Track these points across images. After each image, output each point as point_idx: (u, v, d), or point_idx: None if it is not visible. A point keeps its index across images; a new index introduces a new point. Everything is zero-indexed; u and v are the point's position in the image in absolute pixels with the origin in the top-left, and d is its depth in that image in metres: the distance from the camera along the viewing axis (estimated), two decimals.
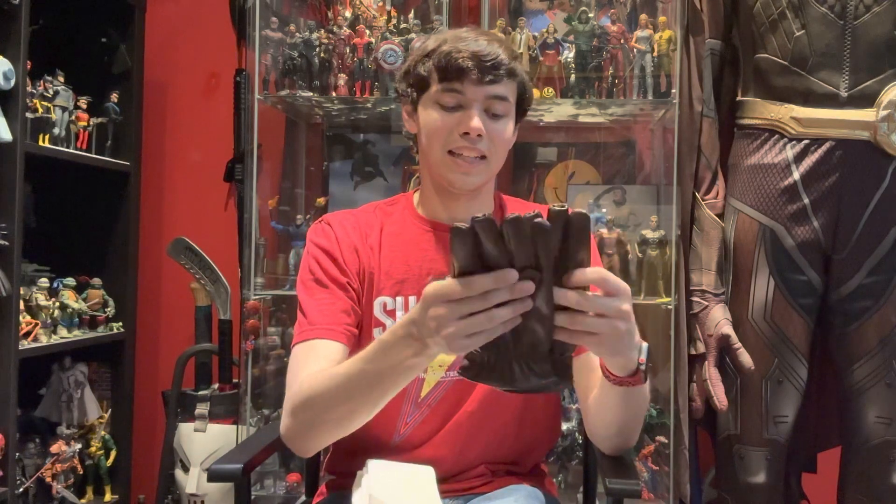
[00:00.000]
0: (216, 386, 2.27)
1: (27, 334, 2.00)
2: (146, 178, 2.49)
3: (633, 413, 1.10)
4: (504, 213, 1.27)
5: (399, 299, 1.20)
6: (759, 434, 1.79)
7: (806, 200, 1.74)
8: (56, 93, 2.11)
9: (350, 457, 1.19)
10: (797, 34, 1.72)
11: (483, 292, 0.78)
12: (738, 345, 1.76)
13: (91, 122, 2.25)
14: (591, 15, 2.04)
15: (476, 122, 1.14)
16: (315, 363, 1.08)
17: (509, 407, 1.20)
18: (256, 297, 2.07)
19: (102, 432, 2.30)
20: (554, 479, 1.29)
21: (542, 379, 0.83)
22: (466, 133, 1.15)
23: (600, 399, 1.09)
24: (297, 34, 2.08)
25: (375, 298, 1.20)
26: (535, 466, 1.29)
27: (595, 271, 0.82)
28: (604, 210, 2.13)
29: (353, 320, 1.16)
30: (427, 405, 1.19)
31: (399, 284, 1.20)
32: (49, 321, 2.08)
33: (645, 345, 0.98)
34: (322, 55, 2.07)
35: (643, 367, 0.98)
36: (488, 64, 1.13)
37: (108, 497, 2.32)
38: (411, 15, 2.13)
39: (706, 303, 1.83)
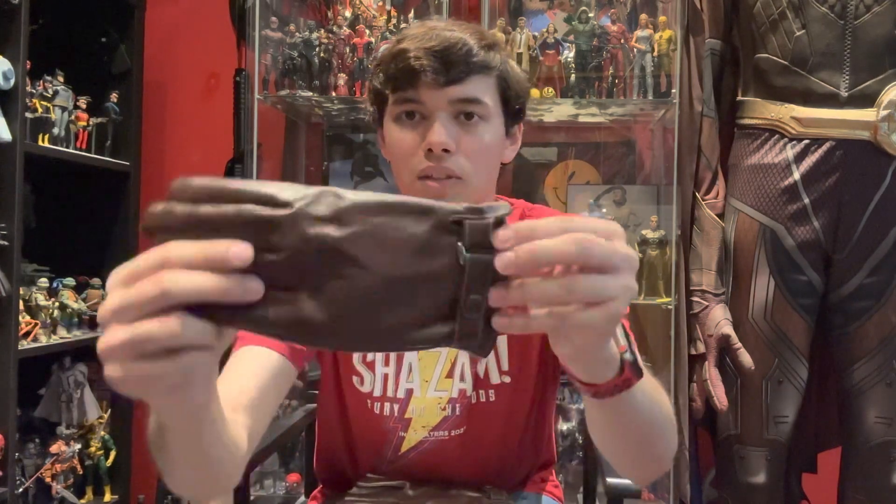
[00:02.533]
0: None
1: (27, 334, 1.99)
2: (146, 178, 2.49)
3: (641, 432, 0.71)
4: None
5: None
6: (759, 434, 1.79)
7: (806, 200, 1.74)
8: (56, 93, 2.11)
9: (340, 479, 1.13)
10: (797, 34, 1.72)
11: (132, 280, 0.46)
12: (739, 345, 1.76)
13: (91, 122, 2.25)
14: (591, 15, 2.04)
15: (438, 134, 0.90)
16: (233, 374, 0.86)
17: (493, 441, 1.06)
18: None
19: (102, 432, 2.29)
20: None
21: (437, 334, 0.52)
22: (431, 150, 0.92)
23: (591, 423, 0.75)
24: (297, 34, 2.08)
25: None
26: (539, 477, 1.19)
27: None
28: (604, 210, 2.13)
29: None
30: (407, 459, 1.06)
31: None
32: (49, 321, 2.07)
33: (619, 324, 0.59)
34: (322, 55, 2.06)
35: (629, 357, 0.59)
36: (446, 60, 0.90)
37: (107, 497, 2.32)
38: (411, 15, 2.13)
39: (706, 303, 1.83)
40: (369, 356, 1.03)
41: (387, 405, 1.04)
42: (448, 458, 1.05)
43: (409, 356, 1.04)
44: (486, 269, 0.49)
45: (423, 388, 1.03)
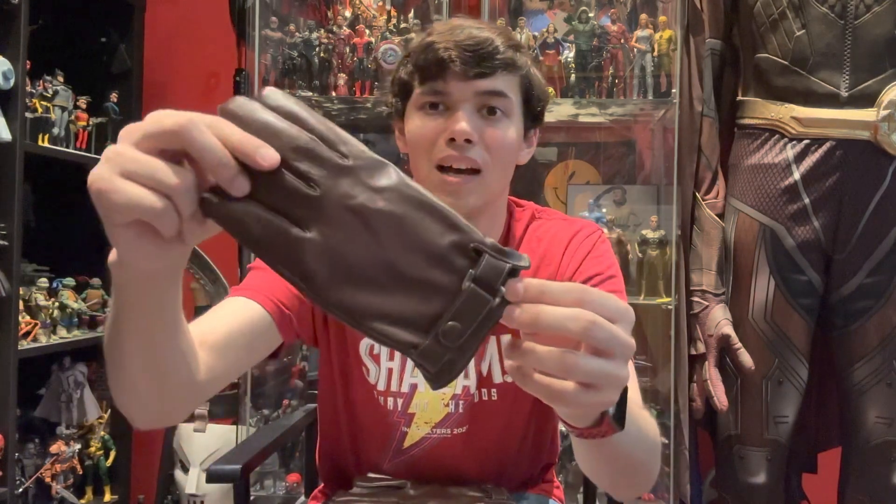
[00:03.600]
0: None
1: (27, 334, 1.99)
2: None
3: (621, 465, 0.73)
4: (513, 228, 1.08)
5: None
6: (759, 434, 1.79)
7: (806, 200, 1.74)
8: (56, 92, 2.11)
9: (342, 477, 1.13)
10: (797, 34, 1.72)
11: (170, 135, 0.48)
12: (739, 345, 1.76)
13: (90, 122, 2.25)
14: (591, 15, 2.04)
15: (462, 123, 0.93)
16: (209, 315, 0.88)
17: (495, 441, 1.07)
18: None
19: (102, 432, 2.29)
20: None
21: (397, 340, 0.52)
22: (453, 139, 0.93)
23: (574, 450, 0.75)
24: (297, 34, 2.08)
25: (361, 339, 1.03)
26: (540, 478, 1.20)
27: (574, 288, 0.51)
28: (604, 210, 2.13)
29: (286, 297, 0.95)
30: (410, 455, 1.07)
31: None
32: (48, 321, 2.08)
33: None
34: (322, 55, 2.06)
35: (612, 411, 0.59)
36: (475, 54, 0.92)
37: (107, 497, 2.32)
38: (411, 15, 2.13)
39: (706, 303, 1.83)
40: (375, 349, 1.03)
41: (391, 399, 1.04)
42: (450, 456, 1.06)
43: None
44: (479, 305, 0.50)
45: (426, 383, 1.03)
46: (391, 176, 0.50)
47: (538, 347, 0.50)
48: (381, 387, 1.04)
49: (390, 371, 1.04)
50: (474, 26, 0.96)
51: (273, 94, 0.50)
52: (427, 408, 1.04)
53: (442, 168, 0.95)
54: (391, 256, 0.50)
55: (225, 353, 0.83)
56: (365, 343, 1.03)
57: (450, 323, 0.50)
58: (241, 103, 0.49)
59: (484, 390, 1.04)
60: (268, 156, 0.47)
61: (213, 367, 0.79)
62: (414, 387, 1.04)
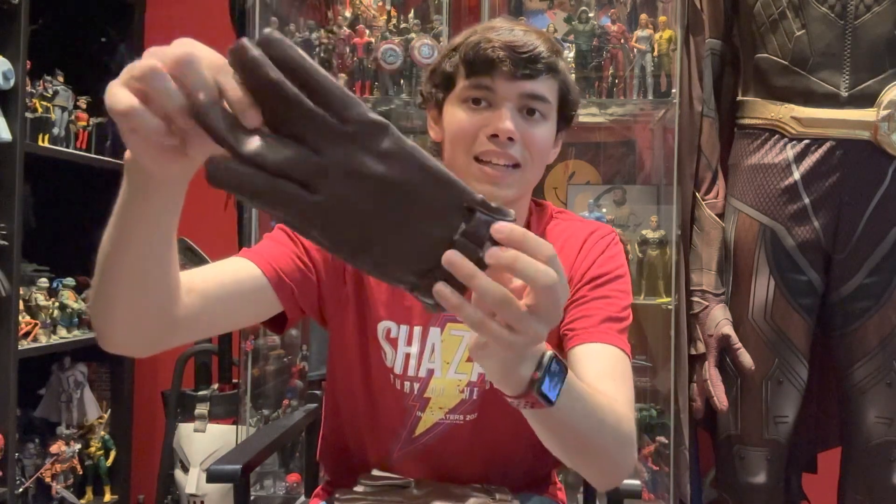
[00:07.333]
0: (216, 386, 2.27)
1: (27, 334, 2.00)
2: None
3: (569, 442, 0.78)
4: (533, 226, 1.10)
5: (403, 328, 1.05)
6: (759, 434, 1.79)
7: (806, 200, 1.74)
8: (56, 92, 2.11)
9: (347, 470, 1.14)
10: (797, 34, 1.72)
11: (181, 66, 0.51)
12: (739, 345, 1.76)
13: (91, 122, 2.25)
14: (591, 15, 2.04)
15: (507, 122, 0.97)
16: (211, 266, 0.92)
17: (503, 431, 1.08)
18: None
19: (102, 432, 2.30)
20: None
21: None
22: (495, 136, 0.98)
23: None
24: (297, 34, 2.08)
25: (379, 322, 1.06)
26: (543, 477, 1.21)
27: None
28: (604, 210, 2.13)
29: (289, 268, 0.98)
30: (421, 443, 1.08)
31: (407, 311, 1.06)
32: (48, 321, 2.08)
33: (548, 353, 0.67)
34: (322, 55, 2.06)
35: (538, 384, 0.66)
36: (523, 56, 0.97)
37: (107, 497, 2.32)
38: (411, 15, 2.13)
39: (706, 303, 1.83)
40: (392, 332, 1.06)
41: (407, 383, 1.06)
42: (459, 445, 1.07)
43: (433, 338, 1.06)
44: (469, 256, 0.56)
45: (443, 369, 1.06)
46: (391, 138, 0.54)
47: (485, 276, 0.56)
48: (398, 370, 1.06)
49: (408, 356, 1.06)
50: (521, 29, 1.00)
51: (278, 43, 0.51)
52: (443, 393, 1.06)
53: (480, 160, 1.00)
54: (393, 214, 0.55)
55: (210, 302, 0.86)
56: (382, 326, 1.06)
57: (444, 270, 0.56)
58: (251, 58, 0.50)
59: None
60: (253, 119, 0.51)
61: (194, 313, 0.82)
62: (431, 372, 1.06)
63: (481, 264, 0.55)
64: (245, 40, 0.51)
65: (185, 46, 0.52)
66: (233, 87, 0.51)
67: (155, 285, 0.73)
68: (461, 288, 0.56)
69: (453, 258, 0.55)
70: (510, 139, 0.98)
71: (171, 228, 0.68)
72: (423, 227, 0.55)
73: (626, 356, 0.98)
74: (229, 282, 0.91)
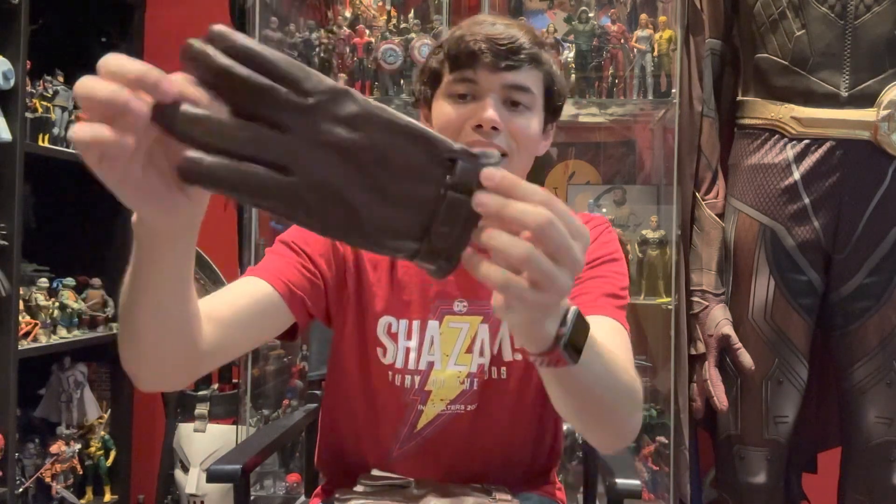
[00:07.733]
0: (216, 386, 2.27)
1: (27, 334, 1.99)
2: None
3: (586, 401, 0.76)
4: None
5: (403, 322, 1.07)
6: (759, 434, 1.79)
7: (806, 200, 1.74)
8: (56, 92, 2.11)
9: (343, 470, 1.14)
10: (797, 34, 1.72)
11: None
12: (739, 345, 1.76)
13: None
14: (591, 15, 2.05)
15: (490, 111, 0.98)
16: (217, 293, 0.93)
17: (503, 422, 1.09)
18: None
19: (102, 432, 2.29)
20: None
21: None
22: (480, 126, 0.99)
23: (546, 386, 0.76)
24: (297, 34, 2.08)
25: (379, 318, 1.07)
26: (542, 475, 1.21)
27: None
28: (604, 210, 2.13)
29: (297, 278, 1.00)
30: (422, 437, 1.09)
31: (406, 305, 1.07)
32: (49, 321, 2.08)
33: (573, 309, 0.63)
34: (322, 55, 2.06)
35: (564, 341, 0.62)
36: (504, 47, 0.98)
37: (107, 497, 2.32)
38: (411, 15, 2.13)
39: (706, 303, 1.83)
40: (393, 327, 1.07)
41: (408, 377, 1.06)
42: (459, 438, 1.08)
43: (431, 331, 1.07)
44: (461, 208, 0.53)
45: (443, 361, 1.07)
46: (355, 102, 0.51)
47: (502, 232, 0.53)
48: (398, 364, 1.06)
49: (408, 350, 1.06)
50: (503, 23, 1.01)
51: (224, 34, 0.50)
52: (444, 385, 1.06)
53: None
54: (373, 181, 0.52)
55: (231, 328, 0.87)
56: (383, 322, 1.07)
57: (440, 228, 0.53)
58: (198, 50, 0.49)
59: (494, 368, 1.07)
60: (167, 89, 0.50)
61: (217, 341, 0.84)
62: (431, 364, 1.06)
63: (474, 213, 0.53)
64: (190, 40, 0.50)
65: (135, 62, 0.51)
66: (187, 87, 0.50)
67: (177, 323, 0.74)
68: (462, 238, 0.54)
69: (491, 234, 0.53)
70: (494, 129, 0.98)
71: (188, 270, 0.68)
72: (406, 189, 0.53)
73: (626, 331, 0.97)
74: (245, 304, 0.93)
